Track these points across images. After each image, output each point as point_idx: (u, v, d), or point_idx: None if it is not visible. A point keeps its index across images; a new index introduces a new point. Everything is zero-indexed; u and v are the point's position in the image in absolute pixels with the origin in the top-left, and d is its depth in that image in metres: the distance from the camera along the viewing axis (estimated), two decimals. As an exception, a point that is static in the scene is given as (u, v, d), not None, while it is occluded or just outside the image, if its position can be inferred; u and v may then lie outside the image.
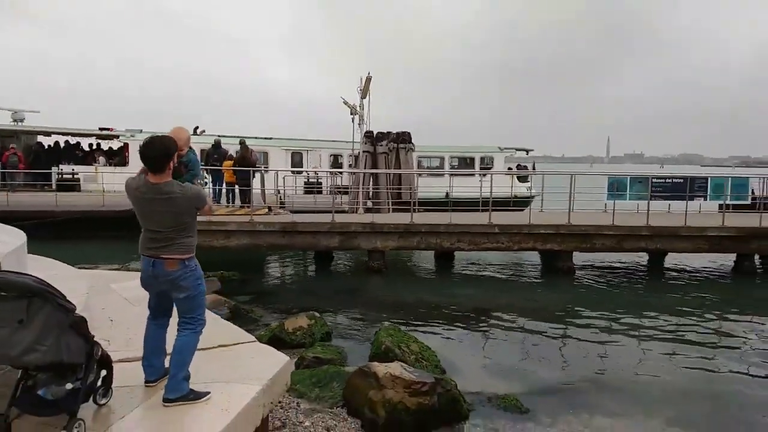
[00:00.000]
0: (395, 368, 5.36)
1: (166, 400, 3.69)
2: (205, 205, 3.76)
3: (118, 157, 22.76)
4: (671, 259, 14.53)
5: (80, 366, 3.26)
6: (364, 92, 15.89)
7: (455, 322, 9.29)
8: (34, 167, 20.59)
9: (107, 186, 20.02)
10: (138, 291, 6.92)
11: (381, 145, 17.17)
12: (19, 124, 22.28)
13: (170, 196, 3.57)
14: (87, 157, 22.93)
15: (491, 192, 13.08)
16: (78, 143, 24.56)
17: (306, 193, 20.00)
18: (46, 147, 23.38)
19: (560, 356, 7.90)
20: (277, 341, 7.61)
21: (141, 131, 23.12)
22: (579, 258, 14.12)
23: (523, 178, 26.04)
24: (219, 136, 23.11)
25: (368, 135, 17.07)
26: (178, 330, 3.80)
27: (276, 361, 4.55)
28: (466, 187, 16.34)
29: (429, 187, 18.45)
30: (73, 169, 21.09)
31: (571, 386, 6.79)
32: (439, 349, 7.81)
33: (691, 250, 13.08)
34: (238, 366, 4.45)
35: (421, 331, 8.69)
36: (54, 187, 19.89)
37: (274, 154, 22.47)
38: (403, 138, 19.65)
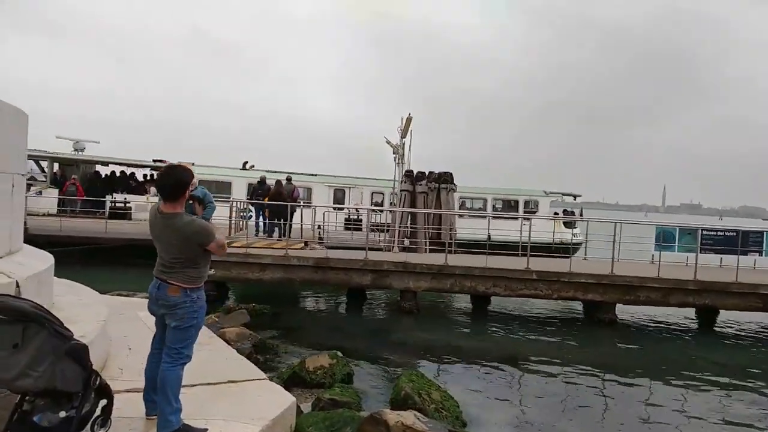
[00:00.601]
0: (407, 417, 5.16)
1: None
2: (211, 243, 3.73)
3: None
4: (725, 317, 13.70)
5: (76, 394, 3.25)
6: (405, 132, 16.03)
7: (484, 370, 8.97)
8: (90, 195, 21.57)
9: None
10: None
11: (420, 185, 17.17)
12: (80, 153, 23.49)
13: (176, 228, 3.62)
14: (139, 187, 23.85)
15: (530, 236, 12.76)
16: (133, 173, 25.65)
17: (346, 229, 20.11)
18: (103, 176, 24.50)
19: (594, 415, 7.42)
20: (297, 379, 7.53)
21: (193, 164, 23.97)
22: (624, 311, 13.53)
23: (569, 224, 25.40)
24: (267, 171, 23.75)
25: (408, 174, 17.13)
26: (162, 361, 3.76)
27: (281, 402, 4.47)
28: (508, 230, 16.06)
29: (470, 229, 18.26)
30: (125, 198, 21.93)
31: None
32: (463, 398, 7.53)
33: (742, 307, 12.31)
34: (242, 403, 4.38)
35: (447, 378, 8.43)
36: (107, 214, 20.72)
37: (318, 190, 22.80)
38: (445, 178, 19.63)
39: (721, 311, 13.33)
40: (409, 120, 15.83)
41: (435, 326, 11.70)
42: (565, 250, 20.61)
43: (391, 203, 20.88)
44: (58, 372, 3.08)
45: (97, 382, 3.38)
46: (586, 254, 15.21)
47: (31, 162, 23.81)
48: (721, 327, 13.16)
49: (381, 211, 20.06)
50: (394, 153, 18.71)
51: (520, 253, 13.48)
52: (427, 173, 19.51)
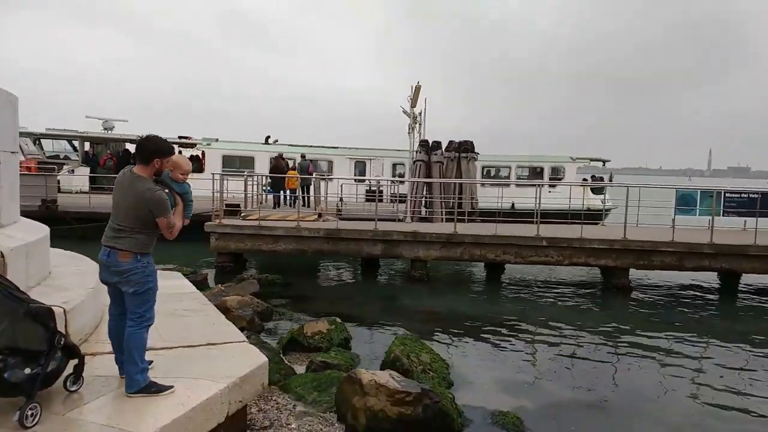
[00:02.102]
0: (382, 376, 5.34)
1: (128, 392, 3.92)
2: (161, 217, 3.83)
3: (195, 164, 24.13)
4: (750, 281, 13.37)
5: (42, 353, 3.53)
6: (414, 101, 15.93)
7: (486, 335, 9.08)
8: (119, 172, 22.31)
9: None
10: (167, 290, 7.35)
11: (435, 154, 17.10)
12: (109, 132, 24.22)
13: (138, 190, 3.80)
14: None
15: (537, 203, 12.66)
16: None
17: (367, 201, 20.29)
18: (132, 153, 25.24)
19: (589, 378, 7.42)
20: (295, 344, 7.82)
21: (217, 140, 24.45)
22: (643, 276, 13.35)
23: (597, 191, 24.90)
24: (290, 145, 24.06)
25: (423, 144, 17.08)
26: (127, 325, 3.99)
27: (252, 363, 4.69)
28: (533, 198, 15.86)
29: (494, 198, 18.16)
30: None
31: (588, 410, 6.44)
32: (457, 361, 7.71)
33: (761, 271, 12.02)
34: (215, 364, 4.63)
35: (445, 342, 8.61)
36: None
37: (339, 162, 22.98)
38: (465, 147, 19.48)
39: (744, 275, 13.05)
40: (418, 89, 15.73)
41: (445, 294, 11.84)
42: (593, 216, 20.28)
43: (399, 174, 20.91)
44: (19, 331, 3.35)
45: (62, 342, 3.65)
46: (603, 221, 14.98)
47: (65, 142, 24.75)
48: (744, 291, 12.88)
49: (401, 182, 20.10)
50: (413, 122, 18.65)
51: (536, 221, 13.32)
52: (448, 142, 19.43)
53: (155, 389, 3.95)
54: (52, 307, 4.37)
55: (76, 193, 20.25)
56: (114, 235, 3.88)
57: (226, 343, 5.18)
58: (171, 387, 4.02)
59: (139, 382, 3.91)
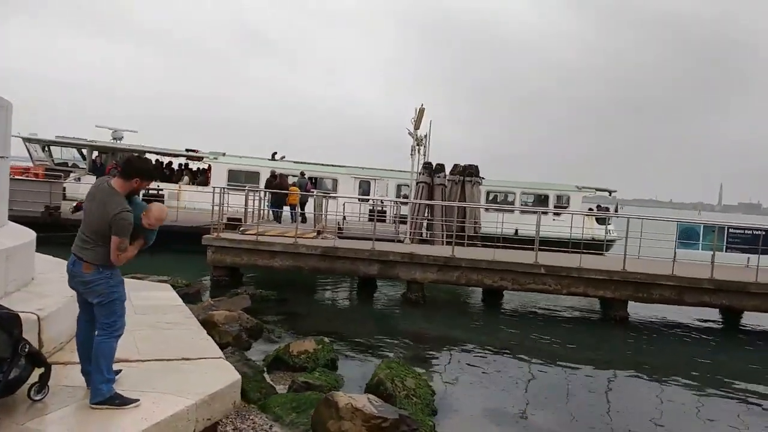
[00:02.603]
0: (360, 400, 5.23)
1: (91, 403, 3.85)
2: (116, 237, 3.77)
3: (201, 177, 24.28)
4: (753, 320, 13.11)
5: (4, 360, 3.48)
6: (417, 123, 15.98)
7: (477, 362, 8.92)
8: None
9: (188, 203, 21.49)
10: (153, 302, 7.32)
11: (439, 177, 17.08)
12: (118, 141, 24.46)
13: (108, 209, 3.78)
14: (173, 176, 24.65)
15: (537, 230, 12.56)
16: (170, 162, 26.53)
17: (370, 220, 20.26)
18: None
19: (577, 411, 7.25)
20: (280, 362, 7.71)
21: (224, 154, 24.62)
22: (642, 309, 13.13)
23: (602, 221, 24.78)
24: (296, 162, 24.23)
25: (426, 166, 17.08)
26: (96, 334, 3.94)
27: (225, 379, 4.62)
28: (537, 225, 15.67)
29: (498, 223, 18.05)
30: (158, 186, 22.71)
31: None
32: (443, 387, 7.57)
33: (763, 309, 11.79)
34: (187, 379, 4.56)
35: (434, 368, 8.47)
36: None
37: (343, 181, 23.04)
38: (470, 171, 19.47)
39: (746, 313, 12.81)
40: (422, 111, 15.79)
41: (440, 318, 11.70)
42: (598, 246, 20.11)
43: (404, 195, 20.91)
44: (-19, 337, 3.31)
45: (26, 349, 3.60)
46: (604, 250, 14.84)
47: (74, 150, 25.00)
48: (745, 329, 12.64)
49: (404, 203, 20.08)
50: (417, 144, 18.69)
51: (535, 248, 13.11)
52: (452, 166, 19.43)
53: (119, 401, 3.89)
54: (26, 314, 4.36)
55: (83, 201, 20.36)
56: (81, 245, 3.87)
57: (201, 358, 5.11)
58: (136, 400, 3.95)
59: (102, 393, 3.84)
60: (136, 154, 4.04)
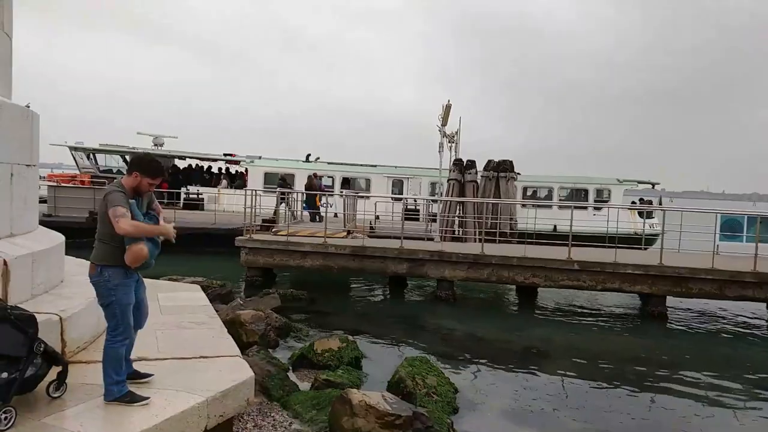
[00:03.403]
0: (373, 397, 5.25)
1: (105, 401, 4.01)
2: (110, 209, 3.77)
3: (239, 181, 24.79)
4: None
5: (21, 359, 3.65)
6: (445, 120, 15.87)
7: (505, 361, 8.78)
8: (171, 187, 23.22)
9: (226, 206, 21.99)
10: (180, 302, 7.52)
11: (470, 173, 16.93)
12: (159, 148, 25.23)
13: (104, 195, 3.91)
14: (212, 180, 25.26)
15: (571, 225, 12.28)
16: (210, 167, 27.20)
17: (406, 219, 20.26)
18: (181, 169, 26.18)
19: (607, 411, 7.04)
20: (304, 361, 7.81)
21: (260, 158, 25.06)
22: (686, 304, 12.69)
23: (647, 214, 24.00)
24: (329, 163, 24.51)
25: (457, 163, 16.96)
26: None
27: (237, 377, 4.71)
28: (577, 220, 15.31)
29: (535, 219, 17.72)
30: (198, 190, 23.32)
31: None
32: (467, 386, 7.52)
33: (811, 303, 11.21)
34: (201, 377, 4.66)
35: (460, 366, 8.39)
36: (181, 205, 22.16)
37: (376, 180, 23.10)
38: (504, 166, 19.24)
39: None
40: (448, 108, 15.68)
41: (470, 316, 11.59)
42: (640, 241, 19.49)
43: (439, 193, 20.78)
44: (-4, 337, 3.48)
45: (42, 348, 3.77)
46: (643, 245, 14.37)
47: (118, 156, 25.92)
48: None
49: (434, 201, 20.01)
50: (449, 141, 18.58)
51: (569, 243, 12.78)
52: (487, 161, 19.24)
53: (129, 399, 4.01)
54: (49, 315, 4.56)
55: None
56: (94, 246, 4.01)
57: (218, 356, 5.22)
58: (146, 398, 4.06)
59: (113, 393, 3.99)
60: (144, 153, 4.13)
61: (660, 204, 27.77)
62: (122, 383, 4.04)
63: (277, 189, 16.96)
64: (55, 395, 4.04)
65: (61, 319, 4.70)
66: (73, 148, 24.35)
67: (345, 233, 14.21)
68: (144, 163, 4.04)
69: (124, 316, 4.04)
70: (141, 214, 3.98)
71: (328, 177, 23.54)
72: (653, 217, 24.05)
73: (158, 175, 4.15)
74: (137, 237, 3.87)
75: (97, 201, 14.50)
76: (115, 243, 3.93)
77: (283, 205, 16.74)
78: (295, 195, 17.94)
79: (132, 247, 3.86)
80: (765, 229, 13.13)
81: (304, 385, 7.08)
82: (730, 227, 13.51)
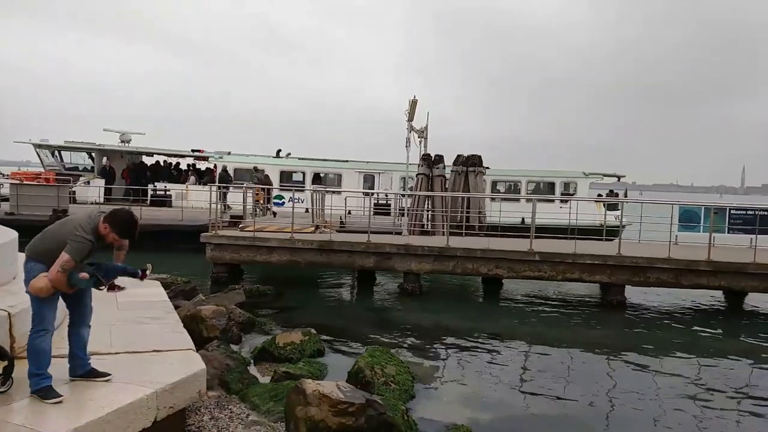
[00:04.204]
0: (327, 386, 5.35)
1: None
2: (67, 253, 3.96)
3: (207, 177, 24.59)
4: (755, 301, 12.94)
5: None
6: (411, 115, 16.00)
7: (467, 349, 8.98)
8: (134, 183, 22.92)
9: (194, 203, 21.79)
10: (137, 298, 7.50)
11: (437, 168, 17.10)
12: (126, 144, 24.87)
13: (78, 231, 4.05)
14: (180, 176, 24.99)
15: (534, 216, 12.56)
16: (178, 163, 26.89)
17: (375, 214, 20.34)
18: (149, 165, 25.84)
19: (563, 394, 7.26)
20: (266, 354, 7.88)
21: (229, 153, 24.90)
22: (645, 293, 13.04)
23: (612, 206, 24.53)
24: (301, 158, 24.45)
25: (425, 158, 17.11)
26: None
27: (188, 370, 4.76)
28: (544, 213, 15.63)
29: (503, 213, 17.99)
30: (165, 186, 23.07)
31: (553, 425, 6.34)
32: (426, 374, 7.68)
33: (761, 289, 11.67)
34: (152, 370, 4.71)
35: (421, 356, 8.54)
36: (148, 202, 21.90)
37: (348, 176, 23.16)
38: (473, 161, 19.44)
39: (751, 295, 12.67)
40: (414, 103, 15.81)
41: (436, 308, 11.74)
42: (607, 233, 19.89)
43: (409, 187, 20.94)
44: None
45: (-14, 344, 3.78)
46: (604, 236, 14.73)
47: (84, 154, 25.48)
48: (749, 311, 12.49)
49: (403, 195, 20.15)
50: (419, 136, 18.74)
51: (531, 235, 13.06)
52: (456, 156, 19.41)
53: (42, 394, 4.04)
54: (-4, 311, 4.54)
55: (91, 203, 20.74)
56: None
57: (171, 350, 5.26)
58: (59, 396, 4.04)
59: (35, 384, 4.06)
60: (121, 209, 4.20)
61: (626, 196, 28.40)
62: (40, 376, 4.06)
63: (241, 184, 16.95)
64: (2, 390, 4.05)
65: (9, 315, 4.70)
66: (37, 146, 23.88)
67: (313, 228, 14.25)
68: (118, 220, 4.10)
69: (40, 309, 4.09)
70: (81, 281, 4.07)
71: (300, 173, 23.54)
72: (618, 209, 24.58)
73: (126, 236, 4.24)
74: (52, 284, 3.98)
75: (61, 199, 14.16)
76: (52, 251, 4.04)
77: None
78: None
79: (41, 280, 3.97)
80: (720, 219, 13.60)
81: (265, 379, 7.14)
82: (689, 218, 13.94)
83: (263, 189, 16.77)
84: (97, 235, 4.06)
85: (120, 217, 4.11)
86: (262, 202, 16.68)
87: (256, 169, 18.87)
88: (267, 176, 19.94)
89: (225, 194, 16.97)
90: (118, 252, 4.38)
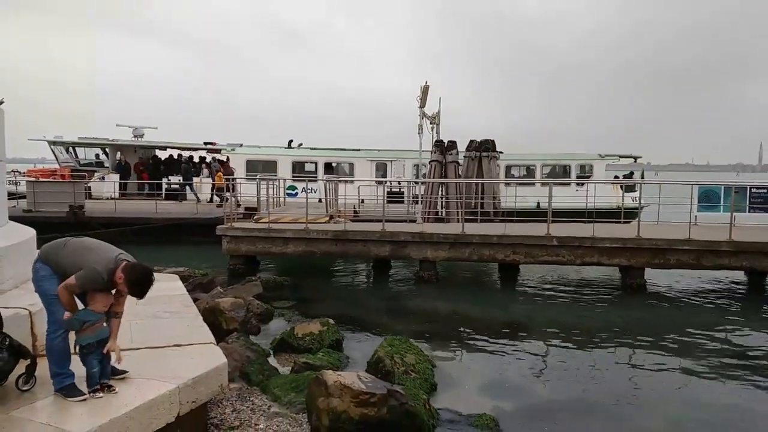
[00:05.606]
0: (348, 377, 5.32)
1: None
2: (79, 276, 3.99)
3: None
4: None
5: (-13, 353, 3.67)
6: (423, 101, 15.84)
7: (485, 337, 8.90)
8: (151, 178, 23.05)
9: (207, 196, 21.89)
10: (156, 293, 7.51)
11: (451, 154, 16.96)
12: (139, 139, 24.97)
13: (94, 256, 4.15)
14: (194, 169, 25.06)
15: (550, 200, 12.39)
16: (191, 156, 26.95)
17: (388, 202, 20.25)
18: (162, 159, 25.95)
19: (584, 381, 7.18)
20: (285, 345, 7.89)
21: (241, 145, 24.89)
22: (664, 276, 12.85)
23: (629, 188, 24.19)
24: (312, 149, 24.41)
25: (438, 144, 16.97)
26: None
27: (209, 364, 4.75)
28: (560, 197, 15.43)
29: (518, 197, 17.79)
30: (179, 180, 23.16)
31: (574, 413, 6.26)
32: (446, 363, 7.64)
33: (786, 269, 11.43)
34: (173, 364, 4.71)
35: (440, 345, 8.49)
36: (163, 196, 22.01)
37: (360, 164, 23.05)
38: (486, 146, 19.26)
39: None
40: (426, 89, 15.64)
41: (453, 295, 11.68)
42: (625, 215, 19.62)
43: (423, 174, 20.78)
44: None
45: (7, 342, 3.78)
46: (622, 219, 14.54)
47: (98, 150, 25.65)
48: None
49: (416, 183, 20.03)
50: (431, 123, 18.59)
51: (548, 219, 12.91)
52: (469, 142, 19.25)
53: (65, 392, 4.05)
54: (18, 309, 4.57)
55: (107, 199, 20.90)
56: None
57: (192, 344, 5.25)
58: (83, 395, 4.04)
59: (57, 383, 4.07)
60: (148, 272, 4.15)
61: (642, 177, 28.00)
62: (63, 375, 4.06)
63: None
64: (25, 389, 4.06)
65: (30, 313, 4.71)
66: (51, 142, 24.04)
67: (327, 218, 14.21)
68: (134, 277, 4.07)
69: (50, 307, 4.09)
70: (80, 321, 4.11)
71: (312, 163, 23.50)
72: (635, 191, 24.25)
73: (134, 294, 4.23)
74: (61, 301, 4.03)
75: (77, 195, 14.25)
76: (62, 267, 4.10)
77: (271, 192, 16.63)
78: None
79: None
80: (740, 198, 13.35)
81: (285, 370, 7.15)
82: (708, 198, 13.71)
83: (227, 178, 16.57)
84: (110, 278, 4.05)
85: (137, 274, 4.08)
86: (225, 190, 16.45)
87: (214, 159, 18.82)
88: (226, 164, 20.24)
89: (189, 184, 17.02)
90: (119, 297, 4.31)
